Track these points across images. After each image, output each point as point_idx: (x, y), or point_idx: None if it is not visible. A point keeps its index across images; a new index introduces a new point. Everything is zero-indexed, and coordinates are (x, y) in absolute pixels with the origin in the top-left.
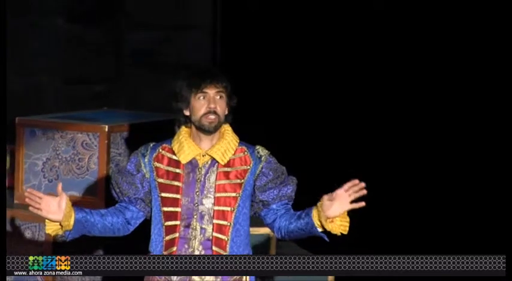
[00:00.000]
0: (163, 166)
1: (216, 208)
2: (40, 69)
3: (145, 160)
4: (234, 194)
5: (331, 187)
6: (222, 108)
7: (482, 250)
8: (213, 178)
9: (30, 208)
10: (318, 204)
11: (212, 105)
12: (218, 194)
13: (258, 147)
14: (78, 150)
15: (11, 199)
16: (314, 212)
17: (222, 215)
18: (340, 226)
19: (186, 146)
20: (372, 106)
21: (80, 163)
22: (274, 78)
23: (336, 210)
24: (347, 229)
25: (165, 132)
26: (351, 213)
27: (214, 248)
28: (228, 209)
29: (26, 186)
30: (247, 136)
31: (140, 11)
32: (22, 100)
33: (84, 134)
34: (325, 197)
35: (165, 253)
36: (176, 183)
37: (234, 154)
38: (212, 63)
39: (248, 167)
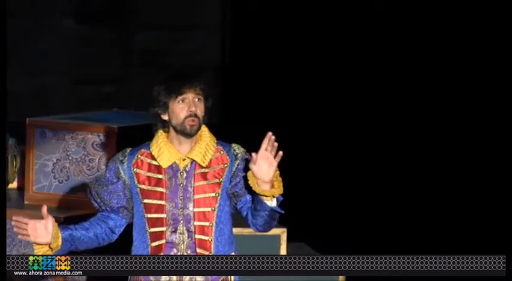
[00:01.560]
0: (143, 172)
1: (196, 209)
2: (48, 70)
3: (124, 167)
4: (213, 194)
5: (332, 187)
6: (201, 111)
7: (482, 250)
8: (192, 180)
9: (20, 236)
10: (249, 178)
11: (193, 109)
12: (197, 196)
13: (233, 145)
14: (88, 151)
15: (21, 200)
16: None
17: (203, 216)
18: (278, 187)
19: (166, 151)
20: (372, 106)
21: (91, 163)
22: (281, 78)
23: (269, 171)
24: (282, 187)
25: None
26: (351, 214)
27: (198, 250)
28: (209, 209)
29: (37, 187)
30: (254, 135)
31: (148, 11)
32: (31, 101)
33: (95, 135)
34: (251, 165)
35: None
36: (159, 189)
37: (216, 153)
38: (221, 64)
39: (225, 165)
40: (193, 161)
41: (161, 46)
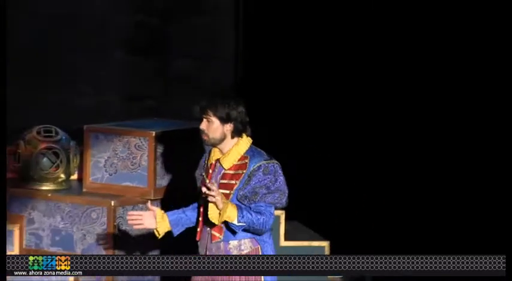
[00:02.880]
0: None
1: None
2: (107, 90)
3: (206, 156)
4: (227, 191)
5: (335, 187)
6: (211, 129)
7: (482, 250)
8: (219, 177)
9: (135, 226)
10: (212, 210)
11: (200, 127)
12: (221, 190)
13: (260, 161)
14: (132, 150)
15: (80, 188)
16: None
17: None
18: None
19: (213, 151)
20: (373, 106)
21: (134, 160)
22: (287, 91)
23: (216, 202)
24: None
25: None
26: (351, 215)
27: (212, 232)
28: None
29: (92, 178)
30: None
31: (181, 46)
32: (94, 113)
33: (137, 138)
34: (218, 199)
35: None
36: (206, 179)
37: (238, 161)
38: (234, 87)
39: (244, 171)
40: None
41: (191, 72)
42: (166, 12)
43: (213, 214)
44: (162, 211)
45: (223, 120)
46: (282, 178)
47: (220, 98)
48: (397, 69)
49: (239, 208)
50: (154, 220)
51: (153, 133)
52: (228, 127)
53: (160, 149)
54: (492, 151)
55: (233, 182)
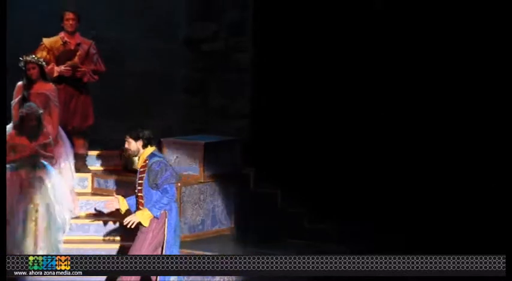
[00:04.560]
0: None
1: (138, 187)
2: (173, 117)
3: None
4: (142, 181)
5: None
6: (130, 146)
7: (482, 250)
8: (138, 174)
9: (109, 209)
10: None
11: (124, 147)
12: (137, 181)
13: (154, 159)
14: (188, 155)
15: None
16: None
17: (139, 191)
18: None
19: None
20: (374, 106)
21: (189, 159)
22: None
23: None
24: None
25: (229, 146)
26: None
27: (139, 206)
28: (140, 188)
29: None
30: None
31: (217, 89)
32: (167, 131)
33: (193, 146)
34: (132, 220)
35: None
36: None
37: (143, 162)
38: (250, 113)
39: (146, 169)
40: None
41: (223, 105)
42: (207, 69)
43: (143, 223)
44: (123, 198)
45: (136, 139)
46: (170, 168)
47: (134, 128)
48: (396, 68)
49: (150, 207)
50: (118, 203)
51: (202, 143)
52: (140, 143)
53: (206, 153)
54: (492, 151)
55: (143, 175)
